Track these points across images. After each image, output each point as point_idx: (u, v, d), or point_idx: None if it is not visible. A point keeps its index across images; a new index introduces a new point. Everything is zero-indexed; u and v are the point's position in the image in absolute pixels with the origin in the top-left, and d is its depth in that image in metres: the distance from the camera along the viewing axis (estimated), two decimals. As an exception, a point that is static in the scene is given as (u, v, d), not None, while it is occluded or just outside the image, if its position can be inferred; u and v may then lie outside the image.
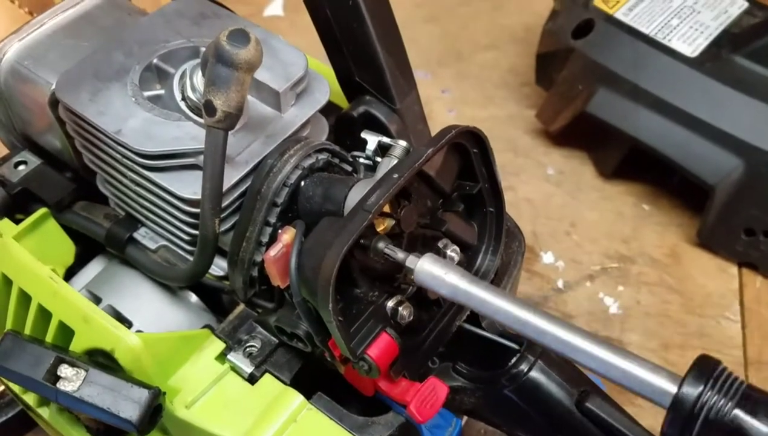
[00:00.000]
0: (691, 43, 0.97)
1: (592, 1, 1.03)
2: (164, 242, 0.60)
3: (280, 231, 0.55)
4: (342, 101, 0.68)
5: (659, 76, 0.95)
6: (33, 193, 0.63)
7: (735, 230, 0.92)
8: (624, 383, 0.39)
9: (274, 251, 0.49)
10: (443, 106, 1.16)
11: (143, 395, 0.46)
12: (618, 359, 0.40)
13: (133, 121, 0.52)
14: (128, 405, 0.46)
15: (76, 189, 0.63)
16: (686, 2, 1.03)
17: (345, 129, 0.65)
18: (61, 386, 0.47)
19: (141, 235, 0.60)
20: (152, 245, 0.60)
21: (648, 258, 0.96)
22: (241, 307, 0.58)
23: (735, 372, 0.38)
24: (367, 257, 0.49)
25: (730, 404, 0.36)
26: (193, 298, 0.63)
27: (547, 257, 0.96)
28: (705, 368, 0.38)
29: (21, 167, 0.64)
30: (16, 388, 0.58)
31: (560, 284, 0.93)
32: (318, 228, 0.48)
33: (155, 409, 0.47)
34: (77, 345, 0.50)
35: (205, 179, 0.49)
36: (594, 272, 0.94)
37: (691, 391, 0.37)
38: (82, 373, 0.47)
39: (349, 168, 0.58)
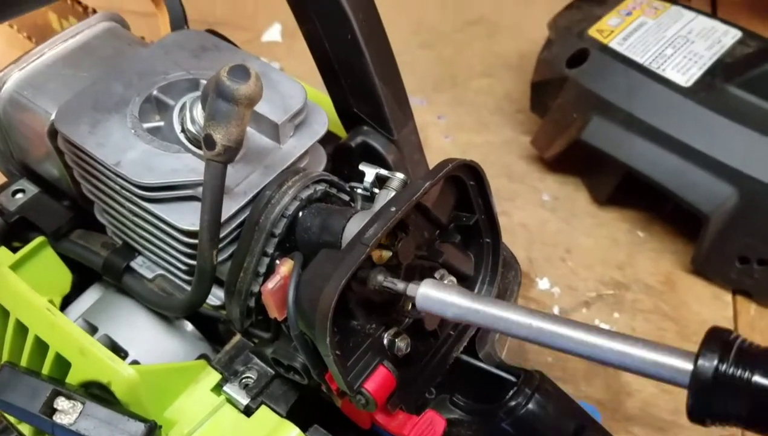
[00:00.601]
0: (685, 72, 0.98)
1: (586, 31, 1.04)
2: (161, 272, 0.60)
3: (278, 262, 0.56)
4: (339, 130, 0.68)
5: (653, 104, 0.96)
6: (30, 222, 0.63)
7: (729, 257, 0.93)
8: (641, 370, 0.39)
9: (272, 284, 0.49)
10: (439, 132, 1.17)
11: (139, 428, 0.46)
12: (632, 348, 0.39)
13: (132, 152, 0.53)
14: (124, 439, 0.46)
15: (74, 218, 0.64)
16: (680, 32, 1.04)
17: (343, 159, 0.65)
18: (58, 419, 0.47)
19: (138, 264, 0.60)
20: (149, 275, 0.60)
21: (643, 285, 0.96)
22: (238, 337, 0.58)
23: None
24: (365, 289, 0.49)
25: (747, 370, 0.35)
26: (189, 327, 0.63)
27: (543, 283, 0.96)
28: (717, 339, 0.37)
29: (19, 196, 0.65)
30: (11, 418, 0.57)
31: (556, 310, 0.93)
32: (316, 260, 0.49)
33: (152, 442, 0.47)
34: (73, 377, 0.50)
35: (204, 211, 0.50)
36: (590, 299, 0.94)
37: (707, 364, 0.36)
38: (79, 406, 0.47)
39: (346, 198, 0.59)
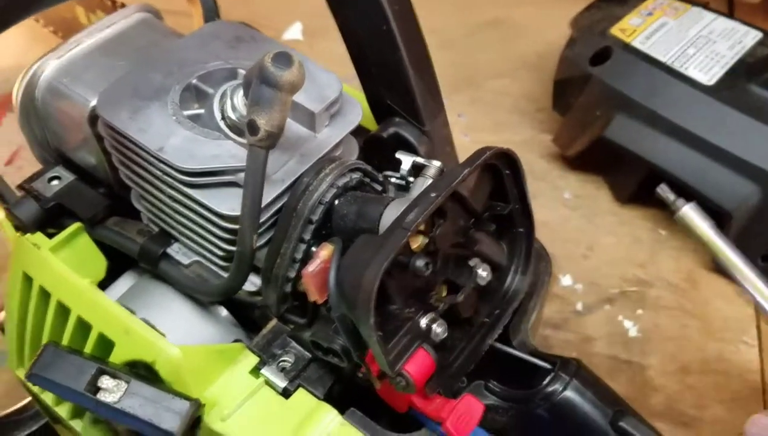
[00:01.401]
0: (707, 71, 0.99)
1: (609, 30, 1.04)
2: (197, 258, 0.61)
3: (316, 248, 0.56)
4: (368, 123, 0.69)
5: (677, 103, 0.96)
6: (66, 208, 0.64)
7: (752, 255, 0.93)
8: None
9: (312, 267, 0.50)
10: (459, 131, 1.18)
11: (184, 406, 0.47)
12: None
13: (174, 139, 0.54)
14: (169, 416, 0.46)
15: (109, 205, 0.64)
16: (701, 32, 1.05)
17: (374, 149, 0.66)
18: (102, 397, 0.48)
19: (174, 250, 0.61)
20: (185, 261, 0.61)
21: (665, 282, 0.96)
22: (274, 322, 0.59)
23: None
24: (403, 274, 0.49)
25: None
26: (224, 312, 0.63)
27: (566, 280, 0.96)
28: None
29: (54, 182, 0.65)
30: (49, 400, 0.58)
31: (579, 306, 0.94)
32: (356, 245, 0.49)
33: (194, 421, 0.48)
34: (117, 357, 0.50)
35: (246, 196, 0.50)
36: (613, 295, 0.95)
37: None
38: (123, 384, 0.48)
39: (378, 187, 0.60)
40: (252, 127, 0.49)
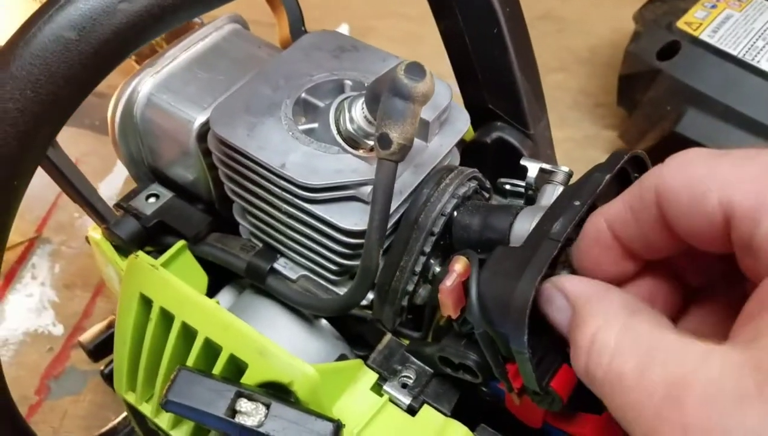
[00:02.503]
0: (779, 63, 0.97)
1: (675, 23, 1.03)
2: (304, 272, 0.60)
3: (434, 261, 0.56)
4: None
5: (751, 96, 0.95)
6: (168, 226, 0.63)
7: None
8: None
9: (450, 282, 0.48)
10: (518, 130, 1.16)
11: (327, 428, 0.46)
12: None
13: (293, 155, 0.53)
14: (314, 439, 0.45)
15: (211, 221, 0.64)
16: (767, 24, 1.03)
17: (474, 156, 0.65)
18: (242, 420, 0.47)
19: (281, 265, 0.60)
20: (293, 275, 0.60)
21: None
22: (389, 336, 0.58)
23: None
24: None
25: None
26: (328, 326, 0.63)
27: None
28: None
29: (152, 200, 0.65)
30: (164, 423, 0.57)
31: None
32: (494, 257, 0.48)
33: (337, 443, 0.47)
34: (250, 378, 0.49)
35: (375, 211, 0.49)
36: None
37: None
38: (262, 407, 0.47)
39: (486, 195, 0.59)
40: (383, 141, 0.48)
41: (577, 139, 1.14)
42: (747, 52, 0.98)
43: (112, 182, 1.08)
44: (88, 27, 0.44)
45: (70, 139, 1.13)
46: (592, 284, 0.39)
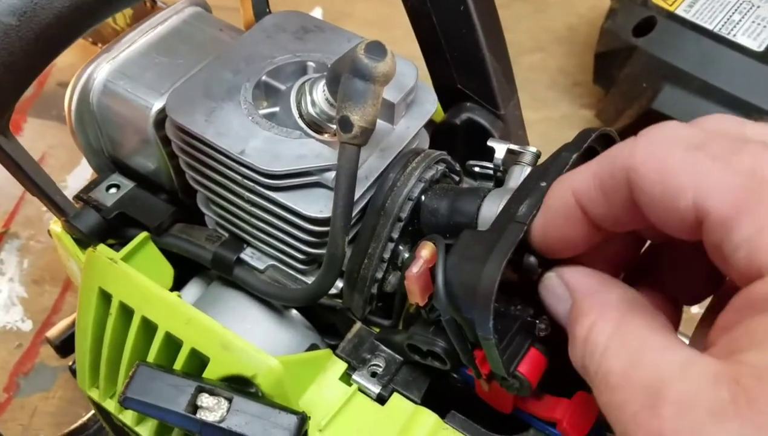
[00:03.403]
0: (755, 37, 0.96)
1: (650, -1, 1.02)
2: (272, 262, 0.58)
3: (403, 247, 0.54)
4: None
5: (728, 71, 0.94)
6: (130, 217, 0.61)
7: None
8: None
9: (416, 268, 0.47)
10: (495, 111, 1.15)
11: (292, 421, 0.45)
12: None
13: (254, 141, 0.51)
14: (279, 433, 0.44)
15: (174, 211, 0.62)
16: (744, -4, 1.02)
17: (445, 138, 0.63)
18: (203, 416, 0.45)
19: (248, 255, 0.59)
20: (261, 266, 0.58)
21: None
22: (359, 325, 0.57)
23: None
24: (508, 270, 0.47)
25: None
26: (298, 317, 0.61)
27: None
28: None
29: (112, 191, 0.63)
30: (128, 419, 0.56)
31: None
32: (461, 242, 0.47)
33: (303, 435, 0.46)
34: (212, 372, 0.48)
35: (339, 197, 0.48)
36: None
37: None
38: (224, 402, 0.46)
39: (456, 178, 0.57)
40: (345, 124, 0.46)
41: (554, 119, 1.13)
42: (723, 26, 0.97)
43: (81, 175, 1.05)
44: (29, 12, 0.42)
45: (37, 132, 1.10)
46: (593, 277, 0.38)
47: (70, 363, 0.73)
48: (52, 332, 0.74)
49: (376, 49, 0.45)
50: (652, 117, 0.98)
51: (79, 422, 0.76)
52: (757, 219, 0.28)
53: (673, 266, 0.41)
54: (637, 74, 0.99)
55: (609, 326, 0.34)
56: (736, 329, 0.29)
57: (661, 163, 0.32)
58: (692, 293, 0.41)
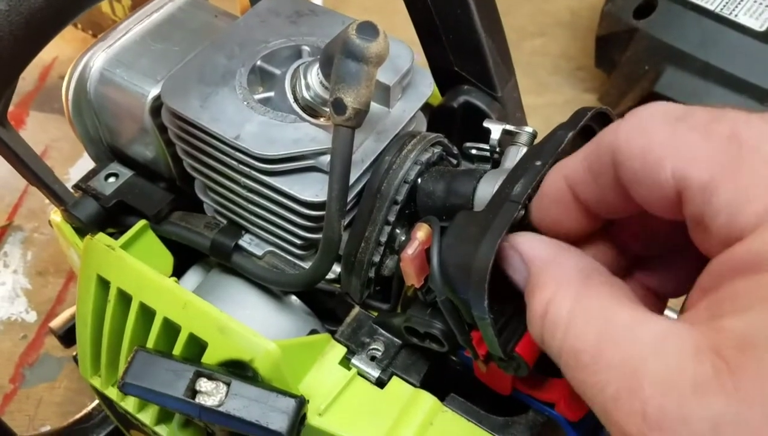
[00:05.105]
0: (758, 17, 0.95)
1: (651, -20, 1.01)
2: (270, 248, 0.58)
3: (400, 230, 0.54)
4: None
5: (730, 52, 0.93)
6: (129, 206, 0.61)
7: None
8: None
9: (411, 250, 0.47)
10: (498, 96, 1.14)
11: (290, 404, 0.45)
12: None
13: (249, 125, 0.51)
14: (276, 416, 0.44)
15: (173, 199, 0.62)
16: (745, -24, 1.01)
17: (442, 121, 0.63)
18: (202, 400, 0.45)
19: (246, 242, 0.59)
20: (259, 252, 0.58)
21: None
22: (357, 309, 0.57)
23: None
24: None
25: None
26: (297, 302, 0.61)
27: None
28: None
29: (111, 180, 0.63)
30: (130, 406, 0.56)
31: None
32: (456, 223, 0.46)
33: (301, 418, 0.46)
34: (210, 357, 0.48)
35: (334, 180, 0.48)
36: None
37: None
38: (222, 386, 0.46)
39: (454, 161, 0.57)
40: (338, 106, 0.46)
41: (557, 104, 1.12)
42: (724, 6, 0.96)
43: (84, 167, 1.05)
44: (19, -4, 0.41)
45: (40, 125, 1.11)
46: (548, 245, 0.37)
47: (75, 353, 0.73)
48: (56, 322, 0.75)
49: (368, 29, 0.45)
50: (654, 99, 0.97)
51: (84, 411, 0.77)
52: (736, 182, 0.27)
53: (658, 259, 0.40)
54: (639, 57, 0.98)
55: (569, 298, 0.32)
56: (718, 291, 0.28)
57: (641, 137, 0.31)
58: (676, 285, 0.40)
